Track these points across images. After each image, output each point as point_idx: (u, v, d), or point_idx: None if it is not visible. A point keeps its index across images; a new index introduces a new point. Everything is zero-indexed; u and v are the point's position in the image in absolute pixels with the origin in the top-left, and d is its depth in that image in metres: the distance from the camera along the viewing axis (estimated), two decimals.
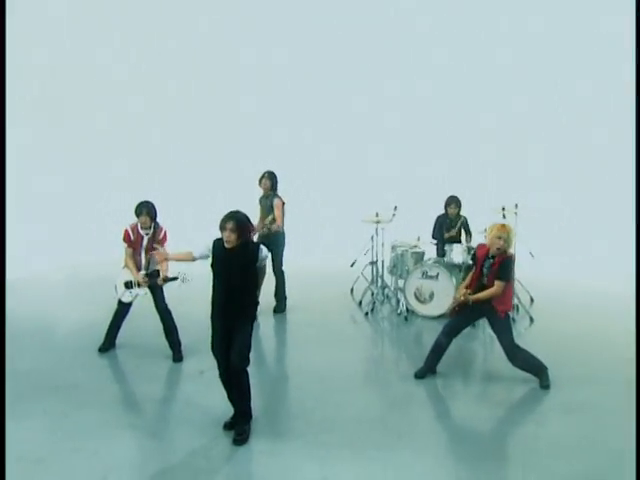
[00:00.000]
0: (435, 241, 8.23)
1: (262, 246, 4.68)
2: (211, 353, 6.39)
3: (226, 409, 4.96)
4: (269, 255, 4.80)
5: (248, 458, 4.49)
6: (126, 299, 6.36)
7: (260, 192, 7.80)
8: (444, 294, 7.55)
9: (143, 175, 11.44)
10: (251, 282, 4.65)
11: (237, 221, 4.44)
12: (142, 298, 6.33)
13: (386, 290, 8.36)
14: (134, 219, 6.19)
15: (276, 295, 7.92)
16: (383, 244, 8.08)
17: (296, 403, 5.43)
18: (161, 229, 6.28)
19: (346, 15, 11.06)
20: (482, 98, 10.76)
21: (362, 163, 10.81)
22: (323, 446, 4.59)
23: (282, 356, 6.96)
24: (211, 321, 4.78)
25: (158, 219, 6.26)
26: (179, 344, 6.35)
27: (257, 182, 7.72)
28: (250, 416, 4.74)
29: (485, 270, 5.55)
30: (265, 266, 4.82)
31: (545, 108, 10.82)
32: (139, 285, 6.24)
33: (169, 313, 6.34)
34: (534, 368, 5.62)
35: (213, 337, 4.77)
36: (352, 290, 8.87)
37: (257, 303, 4.91)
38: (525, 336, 7.04)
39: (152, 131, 11.94)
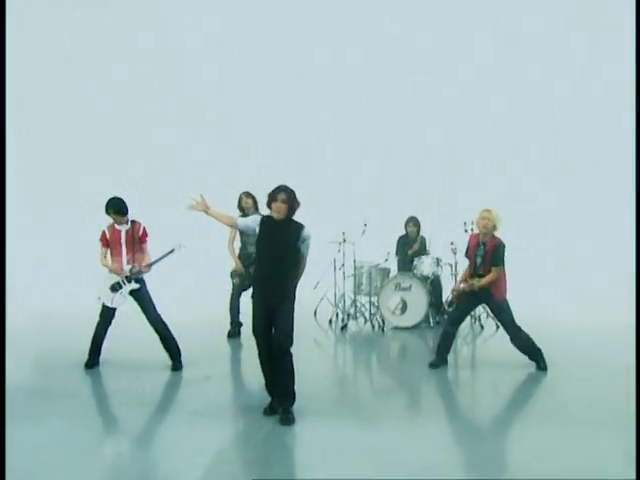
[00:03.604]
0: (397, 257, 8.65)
1: (306, 228, 4.68)
2: (212, 360, 6.47)
3: (256, 400, 4.97)
4: (310, 241, 4.73)
5: (299, 433, 4.47)
6: (116, 303, 6.09)
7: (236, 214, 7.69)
8: (418, 304, 7.90)
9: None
10: (293, 260, 4.68)
11: (288, 193, 4.55)
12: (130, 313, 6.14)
13: (357, 306, 8.52)
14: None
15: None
16: (355, 260, 8.31)
17: (316, 392, 5.39)
18: (139, 225, 6.17)
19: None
20: (455, 114, 11.36)
21: (329, 181, 11.06)
22: (364, 420, 4.73)
23: None
24: (252, 302, 4.77)
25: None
26: (179, 353, 6.17)
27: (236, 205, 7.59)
28: (294, 397, 4.71)
29: (479, 259, 5.95)
30: (306, 257, 4.78)
31: (526, 124, 11.54)
32: (125, 283, 6.05)
33: (163, 324, 6.15)
34: (532, 350, 6.03)
35: (254, 318, 4.76)
36: (315, 312, 8.95)
37: (296, 285, 4.86)
38: (494, 338, 7.54)
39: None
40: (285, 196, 4.52)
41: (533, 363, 6.05)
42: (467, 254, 6.19)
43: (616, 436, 4.22)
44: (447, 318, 6.25)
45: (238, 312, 7.65)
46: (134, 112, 11.76)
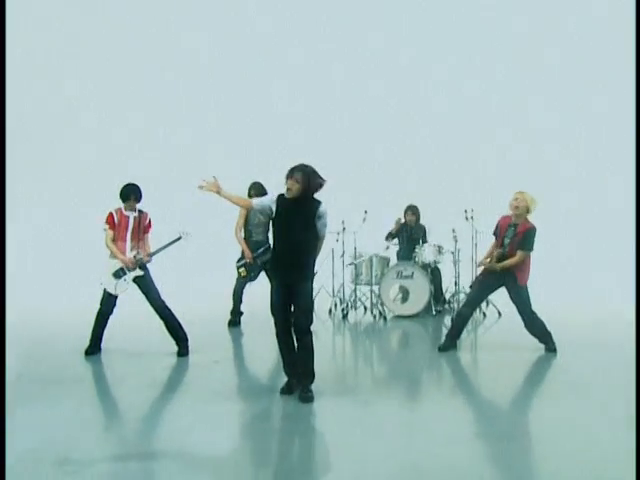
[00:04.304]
0: (389, 243, 8.54)
1: (323, 204, 4.58)
2: (216, 346, 6.35)
3: (270, 381, 4.93)
4: (327, 218, 4.64)
5: (318, 410, 4.39)
6: (119, 290, 5.93)
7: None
8: (420, 292, 7.86)
9: None
10: (311, 238, 4.60)
11: (304, 173, 4.43)
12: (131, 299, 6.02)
13: (357, 295, 8.43)
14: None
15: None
16: (355, 249, 8.22)
17: (330, 374, 5.32)
18: (146, 215, 6.07)
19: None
20: (456, 103, 11.47)
21: (328, 169, 11.00)
22: (381, 399, 4.67)
23: None
24: (270, 280, 4.68)
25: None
26: (186, 339, 6.04)
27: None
28: (314, 376, 4.63)
29: (507, 240, 5.85)
30: (323, 234, 4.69)
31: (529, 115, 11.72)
32: (129, 269, 5.89)
33: (168, 310, 6.01)
34: (544, 334, 6.00)
35: (272, 296, 4.68)
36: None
37: (314, 263, 4.78)
38: (497, 326, 7.54)
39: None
40: (299, 175, 4.42)
41: (540, 346, 6.03)
42: (495, 233, 6.04)
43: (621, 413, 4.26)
44: (466, 299, 6.16)
45: (241, 301, 7.52)
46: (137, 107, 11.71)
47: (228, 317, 7.55)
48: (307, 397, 4.51)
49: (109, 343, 6.08)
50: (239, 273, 7.30)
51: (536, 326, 5.95)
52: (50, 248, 11.11)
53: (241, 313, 7.58)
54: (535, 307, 5.98)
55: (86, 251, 10.23)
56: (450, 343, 6.09)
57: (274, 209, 4.60)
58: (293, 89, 12.00)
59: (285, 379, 4.74)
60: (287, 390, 4.68)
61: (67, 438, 3.78)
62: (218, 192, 4.73)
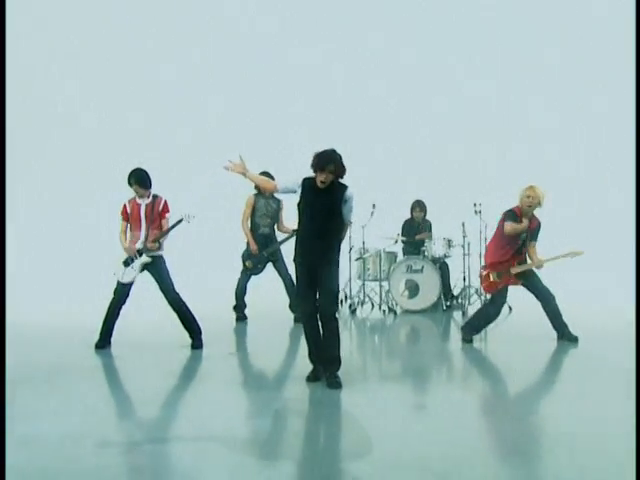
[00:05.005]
0: (404, 238, 8.47)
1: (350, 188, 4.49)
2: (227, 340, 6.26)
3: (292, 370, 4.87)
4: (353, 203, 4.54)
5: (345, 397, 4.29)
6: (127, 278, 5.80)
7: (244, 192, 7.45)
8: (431, 286, 7.78)
9: None
10: (336, 222, 4.52)
11: (337, 163, 4.36)
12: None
13: (366, 291, 8.34)
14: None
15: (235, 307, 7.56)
16: (364, 242, 8.14)
17: (353, 364, 5.24)
18: (160, 199, 5.90)
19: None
20: (455, 102, 11.53)
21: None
22: (405, 386, 4.69)
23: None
24: (295, 265, 4.59)
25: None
26: (199, 332, 5.90)
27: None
28: (340, 362, 4.54)
29: (523, 235, 5.82)
30: (348, 218, 4.59)
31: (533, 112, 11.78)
32: (137, 257, 5.76)
33: (182, 302, 5.87)
34: (560, 319, 5.94)
35: (297, 280, 4.60)
36: None
37: (340, 248, 4.69)
38: (507, 321, 7.50)
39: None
40: (333, 167, 4.34)
41: (553, 337, 5.98)
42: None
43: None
44: (496, 304, 6.04)
45: (244, 294, 7.39)
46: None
47: (234, 313, 7.43)
48: (335, 383, 4.42)
49: (118, 338, 5.92)
50: (245, 266, 7.20)
51: (555, 304, 5.88)
52: (50, 248, 10.97)
53: (245, 306, 7.42)
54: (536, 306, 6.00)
55: (86, 250, 10.19)
56: (473, 335, 6.06)
57: (299, 192, 4.53)
58: (294, 89, 11.97)
59: (309, 368, 4.65)
60: (313, 378, 4.60)
61: (100, 423, 3.69)
62: (244, 173, 4.68)
